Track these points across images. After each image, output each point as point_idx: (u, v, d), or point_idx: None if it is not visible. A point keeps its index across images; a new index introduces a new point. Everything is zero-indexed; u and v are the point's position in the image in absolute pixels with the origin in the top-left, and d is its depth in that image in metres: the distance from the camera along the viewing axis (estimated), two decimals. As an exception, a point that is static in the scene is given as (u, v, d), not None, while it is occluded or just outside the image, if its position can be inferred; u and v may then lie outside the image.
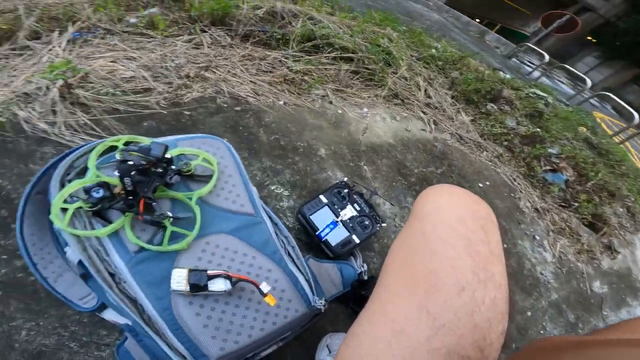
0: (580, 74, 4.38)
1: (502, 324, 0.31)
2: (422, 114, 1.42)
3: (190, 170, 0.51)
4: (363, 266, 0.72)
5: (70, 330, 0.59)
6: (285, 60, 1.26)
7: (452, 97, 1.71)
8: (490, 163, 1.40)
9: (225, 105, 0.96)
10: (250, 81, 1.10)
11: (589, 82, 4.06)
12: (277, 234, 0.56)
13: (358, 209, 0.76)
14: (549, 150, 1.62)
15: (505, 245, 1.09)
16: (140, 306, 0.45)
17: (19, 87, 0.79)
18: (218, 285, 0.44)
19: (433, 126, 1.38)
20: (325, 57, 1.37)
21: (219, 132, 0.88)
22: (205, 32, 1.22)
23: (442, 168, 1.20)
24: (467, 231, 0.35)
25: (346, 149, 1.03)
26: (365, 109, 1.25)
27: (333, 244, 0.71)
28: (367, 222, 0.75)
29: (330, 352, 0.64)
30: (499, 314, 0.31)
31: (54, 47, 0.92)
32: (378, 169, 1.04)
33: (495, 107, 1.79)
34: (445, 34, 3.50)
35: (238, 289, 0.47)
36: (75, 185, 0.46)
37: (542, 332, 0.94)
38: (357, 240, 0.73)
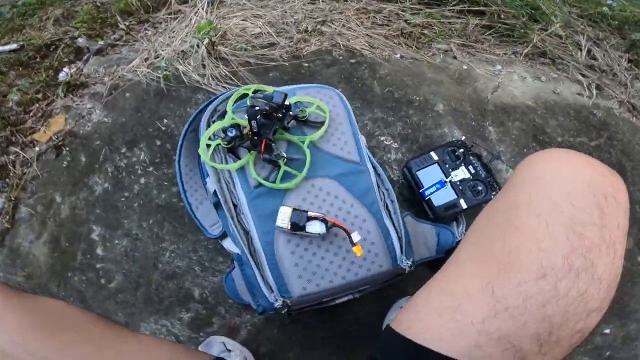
0: None
1: (582, 323, 0.26)
2: (580, 77, 1.10)
3: (305, 117, 0.54)
4: (465, 235, 0.65)
5: (198, 255, 0.68)
6: (402, 13, 1.15)
7: (629, 62, 1.26)
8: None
9: (341, 57, 0.96)
10: (365, 34, 1.06)
11: None
12: (378, 186, 0.55)
13: (473, 171, 0.67)
14: None
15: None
16: (250, 238, 0.51)
17: (177, 46, 0.97)
18: (314, 227, 0.47)
19: (595, 91, 1.06)
20: (450, 10, 1.19)
21: (334, 83, 0.89)
22: (319, -14, 1.21)
23: (598, 140, 0.93)
24: (573, 208, 0.28)
25: (469, 107, 0.90)
26: (499, 66, 1.05)
27: (436, 204, 0.66)
28: (480, 188, 0.66)
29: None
30: (583, 311, 0.25)
31: (198, 9, 1.07)
32: (507, 132, 0.88)
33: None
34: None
35: (332, 234, 0.49)
36: (216, 126, 0.54)
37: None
38: (464, 206, 0.65)
